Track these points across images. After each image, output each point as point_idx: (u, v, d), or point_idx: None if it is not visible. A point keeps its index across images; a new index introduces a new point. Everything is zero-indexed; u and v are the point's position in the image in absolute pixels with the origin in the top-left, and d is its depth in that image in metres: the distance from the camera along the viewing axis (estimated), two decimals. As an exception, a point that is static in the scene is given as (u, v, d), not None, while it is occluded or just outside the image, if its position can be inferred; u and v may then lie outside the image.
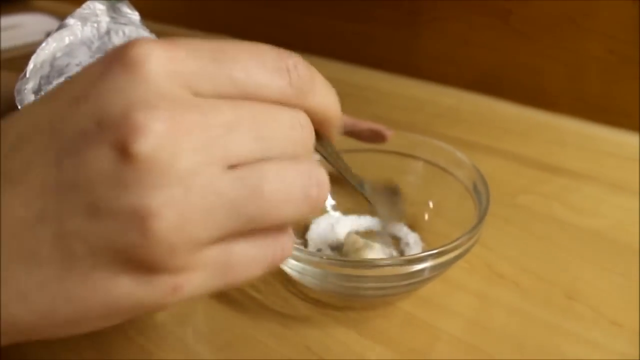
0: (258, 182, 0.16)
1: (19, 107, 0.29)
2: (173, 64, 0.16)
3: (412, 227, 0.39)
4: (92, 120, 0.15)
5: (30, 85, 0.29)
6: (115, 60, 0.16)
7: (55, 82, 0.29)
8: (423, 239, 0.38)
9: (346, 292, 0.33)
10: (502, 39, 0.59)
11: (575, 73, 0.56)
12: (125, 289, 0.16)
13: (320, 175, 0.18)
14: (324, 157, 0.23)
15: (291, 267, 0.31)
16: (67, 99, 0.16)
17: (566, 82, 0.56)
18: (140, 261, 0.16)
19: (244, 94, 0.17)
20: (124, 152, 0.15)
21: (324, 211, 0.40)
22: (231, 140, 0.16)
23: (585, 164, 0.48)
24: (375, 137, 0.40)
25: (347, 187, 0.28)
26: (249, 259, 0.17)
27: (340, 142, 0.40)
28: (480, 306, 0.34)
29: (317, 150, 0.21)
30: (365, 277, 0.31)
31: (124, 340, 0.32)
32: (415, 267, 0.29)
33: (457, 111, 0.60)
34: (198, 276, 0.17)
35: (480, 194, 0.34)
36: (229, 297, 0.35)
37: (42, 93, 0.29)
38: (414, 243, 0.37)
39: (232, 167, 0.16)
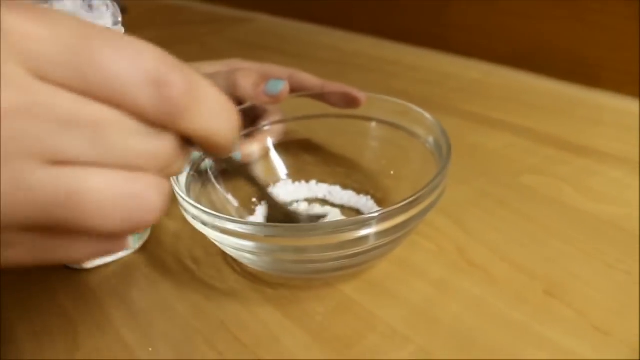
0: (76, 188, 0.15)
1: None
2: (27, 41, 0.14)
3: (374, 196, 0.35)
4: None
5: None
6: None
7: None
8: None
9: (272, 266, 0.29)
10: (537, 4, 0.51)
11: (622, 42, 0.47)
12: None
13: (154, 199, 0.16)
14: (230, 169, 0.20)
15: (215, 238, 0.28)
16: None
17: (608, 53, 0.48)
18: None
19: (96, 95, 0.15)
20: None
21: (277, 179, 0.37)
22: (61, 137, 0.14)
23: (618, 144, 0.40)
24: (348, 101, 0.36)
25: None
26: (56, 249, 0.16)
27: (294, 107, 0.37)
28: (435, 296, 0.28)
29: (219, 162, 0.19)
30: (292, 247, 0.26)
31: (49, 298, 0.31)
32: (355, 233, 0.25)
33: (481, 85, 0.53)
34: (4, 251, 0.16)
35: (443, 155, 0.29)
36: (165, 266, 0.32)
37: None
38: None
39: (57, 163, 0.14)
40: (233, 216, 0.33)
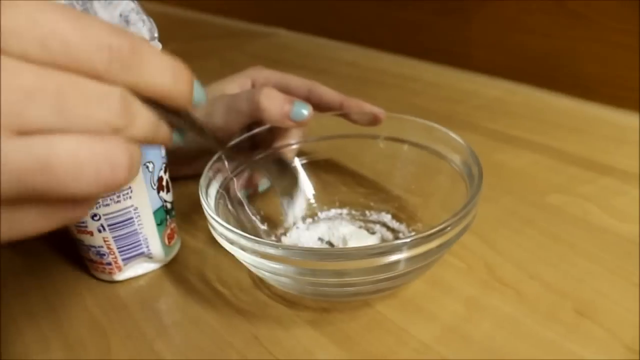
0: (47, 154, 0.15)
1: None
2: None
3: (411, 220, 0.35)
4: None
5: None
6: None
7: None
8: (416, 231, 0.34)
9: (301, 288, 0.29)
10: (558, 23, 0.52)
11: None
12: None
13: (120, 158, 0.17)
14: (187, 129, 0.21)
15: (248, 260, 0.28)
16: None
17: (630, 72, 0.48)
18: None
19: (54, 62, 0.16)
20: None
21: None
22: (27, 107, 0.15)
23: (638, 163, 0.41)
24: (368, 119, 0.36)
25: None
26: (31, 221, 0.17)
27: (320, 127, 0.37)
28: (466, 313, 0.29)
29: (175, 123, 0.20)
30: (324, 271, 0.26)
31: (80, 308, 0.32)
32: (387, 258, 0.25)
33: (503, 103, 0.54)
34: None
35: (473, 177, 0.29)
36: (192, 283, 0.33)
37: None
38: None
39: (24, 133, 0.15)
40: (264, 239, 0.33)
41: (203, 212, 0.29)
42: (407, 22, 0.67)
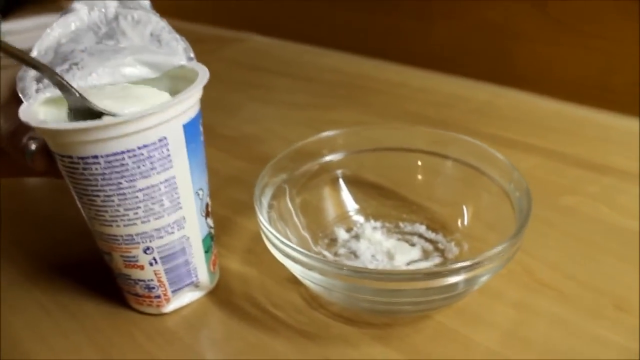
0: None
1: (21, 95, 0.28)
2: None
3: (446, 230, 0.37)
4: None
5: (33, 74, 0.28)
6: None
7: (58, 69, 0.28)
8: (457, 244, 0.35)
9: (366, 305, 0.30)
10: (541, 29, 0.55)
11: (621, 65, 0.52)
12: None
13: None
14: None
15: (311, 279, 0.29)
16: None
17: (610, 76, 0.52)
18: None
19: None
20: None
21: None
22: None
23: (633, 162, 0.45)
24: None
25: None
26: None
27: (365, 140, 0.38)
28: (519, 316, 0.31)
29: None
30: (385, 290, 0.28)
31: (131, 345, 0.31)
32: (446, 280, 0.26)
33: (493, 107, 0.57)
34: None
35: (519, 197, 0.31)
36: (242, 310, 0.33)
37: (45, 81, 0.28)
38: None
39: None
40: (313, 252, 0.34)
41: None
42: (391, 28, 0.69)
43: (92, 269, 0.36)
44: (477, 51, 0.62)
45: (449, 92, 0.61)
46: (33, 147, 0.28)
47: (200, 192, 0.31)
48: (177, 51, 0.32)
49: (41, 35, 0.29)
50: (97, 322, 0.33)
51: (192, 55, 0.32)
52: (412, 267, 0.34)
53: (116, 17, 0.31)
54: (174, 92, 0.32)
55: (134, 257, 0.30)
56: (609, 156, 0.46)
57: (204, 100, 0.30)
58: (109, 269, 0.32)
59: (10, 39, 0.26)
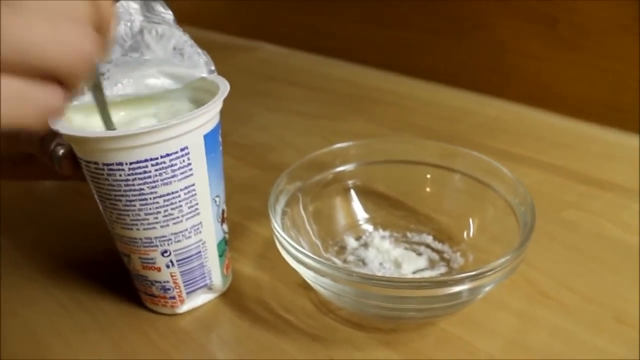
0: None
1: None
2: None
3: (452, 241, 0.38)
4: None
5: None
6: None
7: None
8: (463, 254, 0.37)
9: (374, 311, 0.31)
10: (549, 48, 0.57)
11: (627, 84, 0.53)
12: None
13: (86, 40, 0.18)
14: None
15: (322, 284, 0.30)
16: None
17: (616, 94, 0.54)
18: None
19: None
20: None
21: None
22: None
23: (636, 179, 0.46)
24: None
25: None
26: (12, 96, 0.17)
27: (377, 152, 0.40)
28: (521, 325, 0.32)
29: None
30: (392, 297, 0.29)
31: (145, 343, 0.32)
32: (451, 289, 0.28)
33: (500, 122, 0.58)
34: None
35: (524, 211, 0.32)
36: (254, 313, 0.34)
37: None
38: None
39: None
40: (323, 258, 0.35)
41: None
42: (401, 41, 0.70)
43: (109, 269, 0.37)
44: (485, 67, 0.63)
45: (457, 106, 0.62)
46: (60, 152, 0.30)
47: (217, 199, 0.33)
48: (198, 64, 0.33)
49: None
50: (113, 320, 0.34)
51: (212, 68, 0.33)
52: (418, 275, 0.35)
53: (141, 31, 0.32)
54: (195, 102, 0.34)
55: (151, 259, 0.32)
56: (612, 173, 0.47)
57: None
58: (125, 270, 0.34)
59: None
